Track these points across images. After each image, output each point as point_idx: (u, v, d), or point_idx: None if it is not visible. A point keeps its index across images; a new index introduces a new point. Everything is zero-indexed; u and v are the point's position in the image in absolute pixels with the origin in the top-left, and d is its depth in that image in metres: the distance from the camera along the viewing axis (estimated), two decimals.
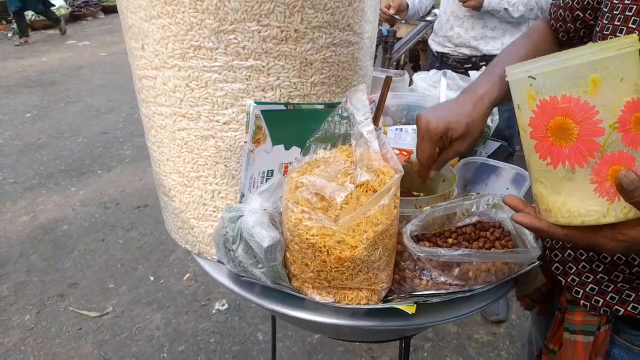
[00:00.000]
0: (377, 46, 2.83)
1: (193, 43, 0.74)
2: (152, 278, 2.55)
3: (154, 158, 0.91)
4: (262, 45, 0.74)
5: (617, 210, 0.55)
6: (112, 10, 9.58)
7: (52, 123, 4.49)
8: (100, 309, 2.34)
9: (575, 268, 0.80)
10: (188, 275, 2.57)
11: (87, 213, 3.11)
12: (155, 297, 2.42)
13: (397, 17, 2.09)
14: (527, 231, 0.78)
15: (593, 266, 0.77)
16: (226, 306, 2.36)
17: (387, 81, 0.96)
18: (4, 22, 8.13)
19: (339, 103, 0.79)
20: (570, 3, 0.88)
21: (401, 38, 2.55)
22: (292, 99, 0.78)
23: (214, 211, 0.86)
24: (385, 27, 2.47)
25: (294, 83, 0.78)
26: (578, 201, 0.56)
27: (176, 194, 0.88)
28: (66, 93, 5.26)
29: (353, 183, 0.71)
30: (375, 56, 3.03)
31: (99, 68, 6.18)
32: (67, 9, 8.63)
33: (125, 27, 0.83)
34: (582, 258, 0.79)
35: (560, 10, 0.91)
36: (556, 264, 0.83)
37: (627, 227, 0.56)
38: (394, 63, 2.61)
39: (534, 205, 0.64)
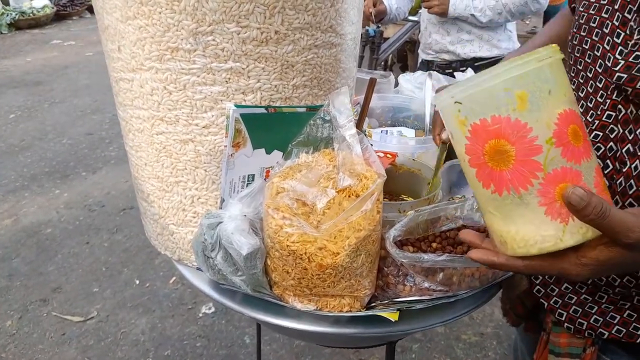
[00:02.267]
0: (364, 47, 2.84)
1: (170, 45, 0.72)
2: (137, 282, 2.51)
3: (132, 162, 0.89)
4: (242, 47, 0.72)
5: (573, 232, 0.51)
6: None
7: (37, 124, 4.41)
8: (85, 313, 2.30)
9: (557, 290, 0.77)
10: (174, 278, 2.54)
11: (72, 216, 3.06)
12: (141, 301, 2.39)
13: (373, 19, 2.12)
14: None
15: (576, 287, 0.74)
16: (213, 310, 2.33)
17: (372, 83, 0.95)
18: None
19: (321, 106, 0.78)
20: None
21: (388, 38, 2.55)
22: (273, 102, 0.77)
23: (194, 217, 0.84)
24: (373, 27, 2.46)
25: (275, 86, 0.76)
26: (531, 228, 0.52)
27: (155, 199, 0.86)
28: (51, 93, 5.18)
29: (335, 188, 0.70)
30: (362, 57, 3.03)
31: (85, 68, 6.10)
32: (52, 8, 8.50)
33: (102, 28, 0.81)
34: (564, 279, 0.77)
35: None
36: (537, 287, 0.80)
37: (588, 249, 0.52)
38: (382, 63, 2.60)
39: None
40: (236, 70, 0.73)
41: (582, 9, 0.71)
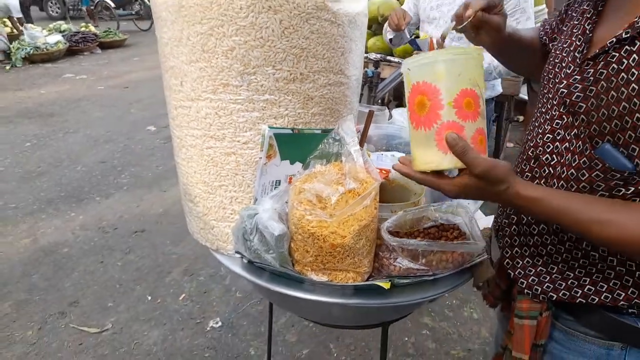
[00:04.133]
0: (363, 85, 3.13)
1: (223, 81, 0.97)
2: (149, 297, 2.68)
3: (183, 171, 1.13)
4: (276, 84, 0.98)
5: (449, 160, 0.79)
6: (109, 46, 9.91)
7: (52, 152, 4.66)
8: (100, 325, 2.46)
9: (521, 262, 1.00)
10: (184, 295, 2.71)
11: (87, 237, 3.25)
12: (153, 315, 2.55)
13: (402, 28, 2.27)
14: (476, 229, 1.00)
15: (534, 260, 0.98)
16: (220, 324, 2.50)
17: (370, 114, 1.21)
18: None
19: (332, 129, 1.02)
20: (547, 28, 1.13)
21: (385, 79, 2.84)
22: (297, 125, 1.02)
23: (232, 214, 1.07)
24: (371, 69, 2.76)
25: (299, 113, 1.01)
26: (429, 153, 0.81)
27: (201, 200, 1.09)
28: (65, 124, 5.45)
29: (344, 188, 0.94)
30: (362, 94, 3.32)
31: (97, 101, 6.40)
32: (65, 44, 8.92)
33: (166, 68, 1.06)
34: (526, 254, 1.00)
35: (546, 25, 1.14)
36: (507, 260, 1.03)
37: (460, 176, 0.80)
38: (379, 101, 2.88)
39: None
40: (271, 101, 0.99)
41: (552, 49, 0.99)
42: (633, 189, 0.78)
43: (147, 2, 12.81)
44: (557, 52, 0.94)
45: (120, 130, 5.25)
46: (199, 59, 0.97)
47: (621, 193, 0.79)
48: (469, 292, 2.69)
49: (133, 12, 13.33)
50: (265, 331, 2.37)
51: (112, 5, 11.78)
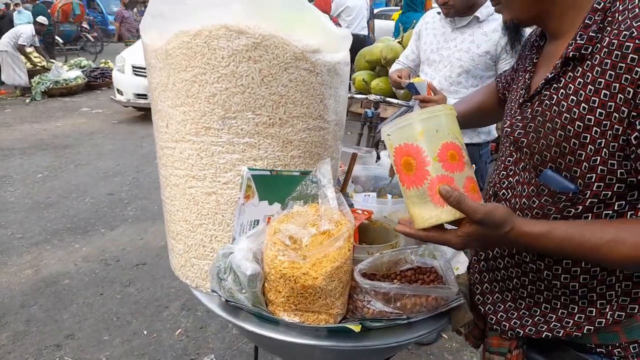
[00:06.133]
0: (362, 125, 3.19)
1: (205, 124, 1.02)
2: (145, 332, 2.68)
3: (167, 209, 1.16)
4: (255, 128, 1.02)
5: (447, 213, 0.81)
6: None
7: (62, 183, 4.77)
8: (94, 359, 2.46)
9: (490, 298, 1.03)
10: (180, 330, 2.70)
11: (89, 268, 3.28)
12: (147, 350, 2.54)
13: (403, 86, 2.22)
14: (450, 274, 1.01)
15: (503, 296, 1.01)
16: None
17: (354, 156, 1.25)
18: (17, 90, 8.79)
19: (310, 172, 1.05)
20: (504, 82, 1.28)
21: (386, 119, 2.89)
22: (275, 167, 1.05)
23: (211, 252, 1.09)
24: (371, 110, 2.82)
25: (278, 156, 1.05)
26: (425, 210, 0.83)
27: (182, 237, 1.12)
28: (77, 156, 5.59)
29: (317, 230, 0.96)
30: (361, 134, 3.39)
31: (110, 134, 6.58)
32: (84, 79, 9.26)
33: (154, 110, 1.11)
34: (495, 290, 1.02)
35: (502, 78, 1.29)
36: (477, 296, 1.06)
37: (462, 226, 0.82)
38: (377, 142, 2.93)
39: None
40: (250, 144, 1.02)
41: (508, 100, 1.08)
42: (581, 207, 0.83)
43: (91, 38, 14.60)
44: (508, 103, 1.05)
45: (130, 164, 5.37)
46: (183, 104, 1.02)
47: (571, 213, 0.85)
48: None
49: (78, 48, 14.56)
50: None
51: (61, 40, 12.69)
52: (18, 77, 8.63)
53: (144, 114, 7.51)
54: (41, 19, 9.66)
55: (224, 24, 0.95)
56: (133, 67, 7.25)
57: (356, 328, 0.93)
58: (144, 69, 6.35)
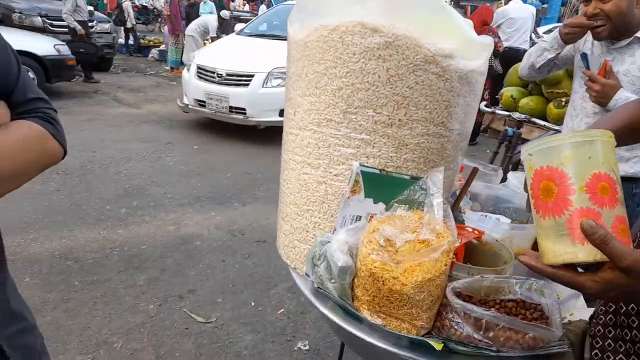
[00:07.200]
0: (500, 144, 2.97)
1: (327, 116, 1.06)
2: (253, 304, 2.89)
3: (281, 190, 1.24)
4: (373, 126, 1.03)
5: (586, 252, 0.69)
6: None
7: (210, 157, 5.36)
8: (206, 316, 2.73)
9: (612, 358, 0.88)
10: (282, 310, 2.85)
11: (218, 236, 3.65)
12: (251, 320, 2.74)
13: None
14: (556, 316, 0.90)
15: (630, 359, 0.85)
16: (307, 347, 2.56)
17: (474, 171, 1.18)
18: None
19: (421, 177, 1.03)
20: None
21: (528, 140, 2.66)
22: (387, 167, 1.05)
23: (312, 238, 1.14)
24: (512, 128, 2.62)
25: (391, 157, 1.05)
26: (560, 245, 0.72)
27: (290, 219, 1.19)
28: (229, 134, 6.22)
29: (416, 238, 0.93)
30: (497, 152, 3.16)
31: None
32: None
33: (287, 98, 1.19)
34: (620, 350, 0.87)
35: None
36: (595, 351, 0.91)
37: (601, 272, 0.69)
38: (515, 163, 2.71)
39: None
40: (366, 140, 1.04)
41: None
42: None
43: None
44: None
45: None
46: (311, 94, 1.08)
47: None
48: None
49: None
50: None
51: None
52: None
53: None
54: (224, 13, 10.93)
55: (360, 21, 0.98)
56: (198, 68, 6.18)
57: (438, 346, 0.89)
58: (210, 71, 6.05)
